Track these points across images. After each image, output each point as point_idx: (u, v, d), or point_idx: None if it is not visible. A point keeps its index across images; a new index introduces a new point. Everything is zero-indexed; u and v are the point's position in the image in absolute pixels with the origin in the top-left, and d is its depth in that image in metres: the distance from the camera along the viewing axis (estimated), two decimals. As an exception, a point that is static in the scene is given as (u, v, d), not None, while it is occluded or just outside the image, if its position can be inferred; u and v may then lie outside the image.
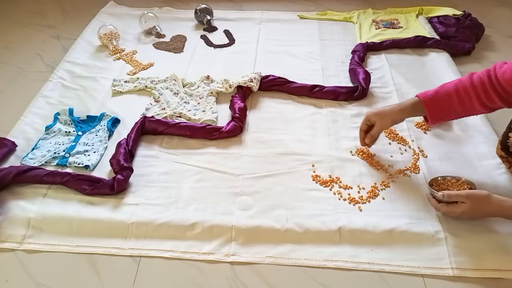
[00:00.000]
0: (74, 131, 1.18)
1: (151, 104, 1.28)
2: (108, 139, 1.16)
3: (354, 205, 0.98)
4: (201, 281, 0.84)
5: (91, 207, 0.97)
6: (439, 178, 0.97)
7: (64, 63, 1.46)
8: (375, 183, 1.02)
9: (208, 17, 1.70)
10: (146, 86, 1.35)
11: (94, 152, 1.11)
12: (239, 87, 1.31)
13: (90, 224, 0.93)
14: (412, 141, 1.14)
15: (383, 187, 1.02)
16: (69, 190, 1.00)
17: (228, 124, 1.17)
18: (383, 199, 0.99)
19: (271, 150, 1.12)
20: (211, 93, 1.31)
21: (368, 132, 1.04)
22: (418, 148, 1.12)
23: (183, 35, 1.66)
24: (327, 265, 0.86)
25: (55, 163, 1.08)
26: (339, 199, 0.99)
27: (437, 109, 0.95)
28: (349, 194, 1.00)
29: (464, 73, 1.40)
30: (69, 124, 1.20)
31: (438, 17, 1.67)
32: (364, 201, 0.98)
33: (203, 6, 1.72)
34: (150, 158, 1.10)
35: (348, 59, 1.47)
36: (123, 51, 1.55)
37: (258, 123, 1.21)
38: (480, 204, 0.85)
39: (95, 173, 1.05)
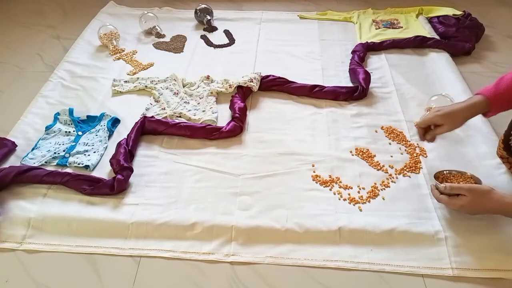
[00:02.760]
0: (74, 131, 1.18)
1: (151, 104, 1.28)
2: (108, 139, 1.16)
3: (354, 205, 0.98)
4: (201, 281, 0.84)
5: (91, 207, 0.97)
6: (445, 171, 0.97)
7: (64, 63, 1.46)
8: (375, 183, 1.02)
9: (208, 17, 1.70)
10: (146, 86, 1.35)
11: (94, 152, 1.11)
12: (239, 87, 1.31)
13: (90, 224, 0.93)
14: (412, 141, 1.14)
15: (383, 187, 1.02)
16: (69, 190, 1.00)
17: (228, 124, 1.17)
18: (383, 199, 0.99)
19: (271, 150, 1.12)
20: (211, 93, 1.31)
21: (427, 130, 0.99)
22: (418, 148, 1.12)
23: (183, 35, 1.66)
24: (327, 265, 0.86)
25: (55, 163, 1.08)
26: (339, 199, 0.99)
27: (501, 101, 0.91)
28: (349, 194, 1.00)
29: (464, 73, 1.40)
30: (69, 124, 1.20)
31: (438, 17, 1.67)
32: (364, 201, 0.98)
33: (203, 6, 1.72)
34: (150, 158, 1.10)
35: (348, 59, 1.47)
36: (123, 51, 1.55)
37: (258, 123, 1.21)
38: (480, 199, 0.85)
39: (95, 173, 1.05)
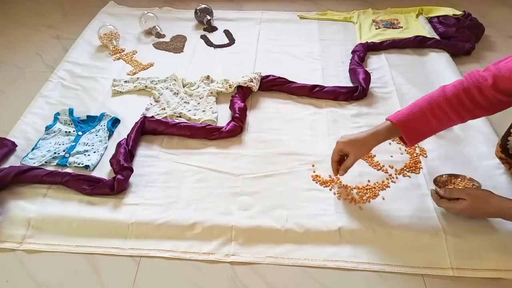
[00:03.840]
0: (74, 131, 1.18)
1: (151, 104, 1.28)
2: (108, 139, 1.16)
3: (354, 205, 0.98)
4: (201, 281, 0.84)
5: (91, 207, 0.97)
6: (444, 176, 0.97)
7: (64, 63, 1.46)
8: (375, 183, 1.02)
9: (208, 17, 1.70)
10: (146, 86, 1.35)
11: (94, 152, 1.11)
12: (239, 87, 1.31)
13: (90, 224, 0.93)
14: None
15: (383, 187, 1.02)
16: (69, 190, 1.00)
17: (228, 124, 1.17)
18: (383, 199, 0.99)
19: (271, 150, 1.12)
20: (211, 93, 1.31)
21: (341, 162, 0.95)
22: (418, 148, 1.12)
23: (183, 35, 1.66)
24: (327, 265, 0.86)
25: (55, 163, 1.08)
26: (339, 199, 0.99)
27: (413, 131, 0.87)
28: (349, 194, 1.00)
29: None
30: (69, 124, 1.20)
31: (438, 17, 1.67)
32: (364, 201, 0.98)
33: (203, 6, 1.72)
34: (150, 158, 1.10)
35: (348, 59, 1.47)
36: (123, 51, 1.55)
37: (258, 123, 1.21)
38: (480, 203, 0.86)
39: (95, 173, 1.05)
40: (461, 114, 0.85)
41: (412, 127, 0.87)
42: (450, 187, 0.92)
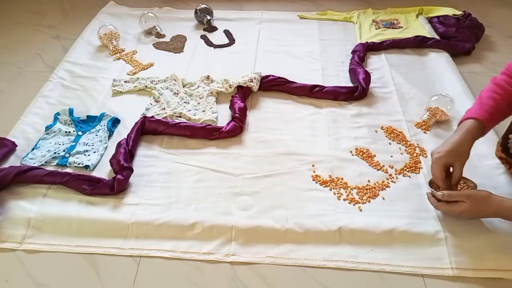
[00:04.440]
0: (74, 131, 1.18)
1: (151, 104, 1.28)
2: (108, 139, 1.16)
3: (354, 205, 0.98)
4: (201, 281, 0.84)
5: (91, 207, 0.97)
6: None
7: (64, 63, 1.46)
8: (375, 183, 1.02)
9: (208, 17, 1.70)
10: (146, 86, 1.35)
11: (94, 152, 1.11)
12: (239, 87, 1.31)
13: (90, 224, 0.93)
14: (412, 141, 1.14)
15: (383, 187, 1.02)
16: (69, 190, 1.00)
17: (228, 124, 1.17)
18: (383, 199, 0.99)
19: (271, 150, 1.12)
20: (211, 93, 1.31)
21: (447, 175, 0.90)
22: (418, 148, 1.12)
23: (183, 35, 1.66)
24: (327, 265, 0.86)
25: (55, 163, 1.08)
26: (339, 199, 0.99)
27: (492, 118, 0.89)
28: (349, 194, 1.00)
29: (464, 73, 1.41)
30: (69, 124, 1.20)
31: (438, 17, 1.67)
32: (364, 201, 0.98)
33: (203, 6, 1.72)
34: (150, 158, 1.10)
35: (348, 59, 1.47)
36: (123, 51, 1.55)
37: (258, 123, 1.21)
38: (480, 204, 0.85)
39: (95, 173, 1.05)
40: None
41: (490, 115, 0.88)
42: (448, 191, 0.91)
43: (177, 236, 0.91)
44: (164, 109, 1.25)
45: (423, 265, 0.86)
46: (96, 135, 1.17)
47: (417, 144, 1.13)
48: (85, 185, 0.99)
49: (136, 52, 1.55)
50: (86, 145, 1.13)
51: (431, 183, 0.95)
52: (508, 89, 0.90)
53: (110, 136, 1.17)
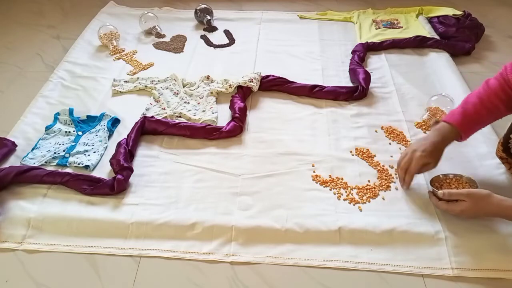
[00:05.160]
0: (74, 131, 1.18)
1: (151, 104, 1.28)
2: (108, 139, 1.16)
3: (354, 205, 0.98)
4: (201, 281, 0.84)
5: (91, 207, 0.97)
6: (441, 176, 0.97)
7: (64, 63, 1.46)
8: (375, 183, 1.02)
9: (208, 17, 1.70)
10: (146, 86, 1.35)
11: (94, 152, 1.11)
12: (239, 87, 1.31)
13: (90, 224, 0.93)
14: (412, 141, 1.14)
15: (383, 187, 1.02)
16: (69, 190, 1.00)
17: (228, 124, 1.17)
18: (383, 199, 0.99)
19: (271, 150, 1.12)
20: (211, 93, 1.31)
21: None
22: (418, 148, 1.12)
23: (183, 35, 1.66)
24: (327, 265, 0.86)
25: (55, 163, 1.08)
26: (339, 199, 0.99)
27: (470, 127, 0.94)
28: (349, 194, 1.00)
29: (464, 73, 1.41)
30: (69, 124, 1.20)
31: (438, 17, 1.67)
32: (364, 201, 0.98)
33: (203, 6, 1.72)
34: (150, 158, 1.10)
35: (348, 59, 1.47)
36: (123, 51, 1.55)
37: (258, 123, 1.21)
38: (480, 203, 0.85)
39: (95, 173, 1.05)
40: (506, 102, 0.91)
41: (470, 125, 0.94)
42: (449, 189, 0.92)
43: (177, 236, 0.91)
44: (164, 109, 1.25)
45: (423, 265, 0.85)
46: (96, 135, 1.17)
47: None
48: (85, 185, 0.99)
49: (136, 52, 1.55)
50: (86, 145, 1.13)
51: (432, 181, 0.95)
52: (494, 101, 0.91)
53: (110, 136, 1.17)
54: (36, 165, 1.06)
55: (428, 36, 1.56)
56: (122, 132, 1.18)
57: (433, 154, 0.94)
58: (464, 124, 0.93)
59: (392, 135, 1.16)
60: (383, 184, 1.02)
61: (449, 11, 1.68)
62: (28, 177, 1.00)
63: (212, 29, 1.69)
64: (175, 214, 0.95)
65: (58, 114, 1.22)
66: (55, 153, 1.10)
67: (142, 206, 0.97)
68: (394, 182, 1.03)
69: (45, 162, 1.08)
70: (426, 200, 0.97)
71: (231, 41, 1.63)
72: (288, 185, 1.02)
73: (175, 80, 1.37)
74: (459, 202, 0.87)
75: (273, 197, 0.99)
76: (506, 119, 1.00)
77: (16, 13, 1.85)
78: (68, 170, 1.05)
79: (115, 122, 1.21)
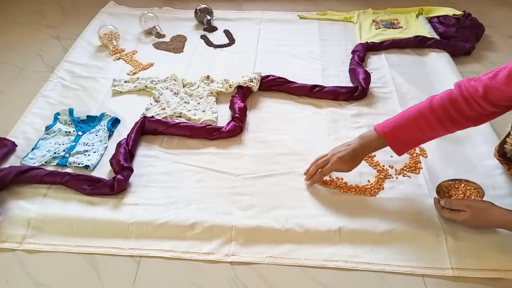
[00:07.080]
0: (74, 131, 1.18)
1: (151, 104, 1.28)
2: (108, 139, 1.16)
3: (354, 205, 0.97)
4: (201, 281, 0.84)
5: (91, 207, 0.97)
6: (450, 182, 0.97)
7: (64, 63, 1.46)
8: (375, 183, 1.02)
9: (208, 17, 1.70)
10: (146, 86, 1.35)
11: (94, 152, 1.11)
12: (239, 87, 1.31)
13: (90, 224, 0.93)
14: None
15: (383, 187, 1.02)
16: (69, 190, 1.00)
17: (228, 124, 1.17)
18: (383, 199, 0.99)
19: (271, 150, 1.12)
20: (211, 93, 1.31)
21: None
22: (418, 148, 1.12)
23: (183, 35, 1.66)
24: (327, 265, 0.86)
25: (55, 163, 1.08)
26: (339, 199, 0.99)
27: (399, 141, 0.90)
28: (349, 194, 1.00)
29: (464, 73, 1.41)
30: (69, 124, 1.20)
31: (438, 17, 1.67)
32: (364, 201, 0.98)
33: (203, 6, 1.72)
34: (150, 158, 1.10)
35: (348, 59, 1.47)
36: (123, 51, 1.55)
37: (258, 123, 1.21)
38: (480, 215, 0.86)
39: (95, 173, 1.05)
40: (447, 125, 0.86)
41: (398, 138, 0.90)
42: (451, 198, 0.92)
43: (177, 236, 0.91)
44: (164, 109, 1.25)
45: (423, 265, 0.85)
46: (96, 135, 1.17)
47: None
48: (85, 185, 0.99)
49: (136, 52, 1.55)
50: (86, 145, 1.13)
51: (439, 187, 0.96)
52: (442, 121, 0.85)
53: (110, 136, 1.17)
54: (36, 165, 1.06)
55: (428, 36, 1.56)
56: (122, 132, 1.18)
57: (348, 163, 0.95)
58: (389, 134, 0.89)
59: (392, 135, 1.16)
60: (383, 184, 1.02)
61: (449, 11, 1.68)
62: (28, 177, 1.00)
63: (212, 29, 1.69)
64: (175, 214, 0.95)
65: (58, 114, 1.22)
66: (55, 153, 1.10)
67: (142, 206, 0.97)
68: (394, 182, 1.03)
69: (45, 162, 1.08)
70: (426, 200, 0.97)
71: (231, 41, 1.63)
72: (288, 185, 1.02)
73: (175, 80, 1.37)
74: (460, 212, 0.87)
75: (273, 197, 0.99)
76: (505, 118, 1.00)
77: (16, 13, 1.85)
78: (68, 170, 1.05)
79: (115, 122, 1.21)
